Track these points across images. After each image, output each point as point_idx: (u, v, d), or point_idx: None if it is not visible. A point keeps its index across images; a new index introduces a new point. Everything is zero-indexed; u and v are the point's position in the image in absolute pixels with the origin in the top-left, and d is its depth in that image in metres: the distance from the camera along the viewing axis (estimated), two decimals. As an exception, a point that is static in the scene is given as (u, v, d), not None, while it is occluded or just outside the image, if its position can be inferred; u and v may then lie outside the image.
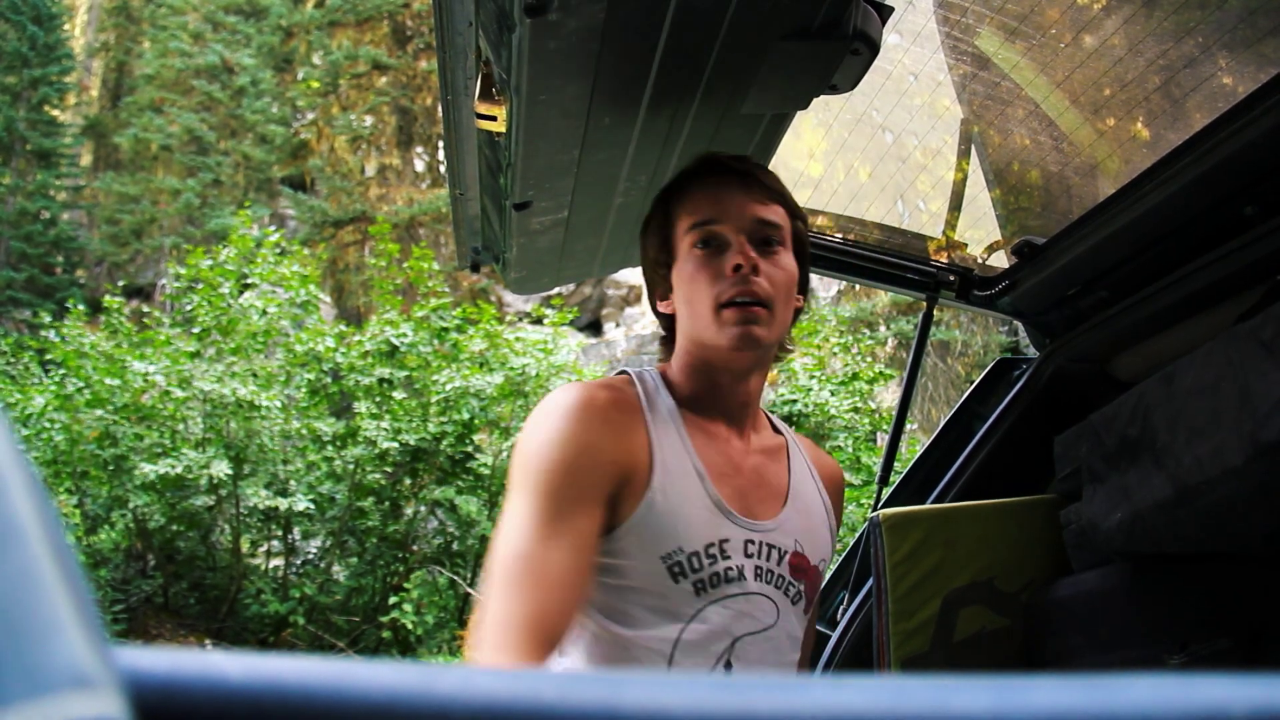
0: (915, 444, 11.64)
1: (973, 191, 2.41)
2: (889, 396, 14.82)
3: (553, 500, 1.26)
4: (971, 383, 2.73)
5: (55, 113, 25.71)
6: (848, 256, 2.46)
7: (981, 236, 2.48)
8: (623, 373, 1.48)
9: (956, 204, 2.43)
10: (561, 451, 1.29)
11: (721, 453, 1.43)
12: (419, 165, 21.80)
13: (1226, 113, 1.67)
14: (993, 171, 2.40)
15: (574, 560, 1.24)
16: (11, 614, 0.27)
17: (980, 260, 2.51)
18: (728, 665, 1.33)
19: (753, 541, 1.39)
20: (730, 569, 1.35)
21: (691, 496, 1.35)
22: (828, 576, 2.73)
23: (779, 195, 1.46)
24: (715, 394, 1.45)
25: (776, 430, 1.59)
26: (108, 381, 8.16)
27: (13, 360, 10.43)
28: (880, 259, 2.49)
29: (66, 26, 28.86)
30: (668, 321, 1.51)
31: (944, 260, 2.47)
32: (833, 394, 8.35)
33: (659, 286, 1.50)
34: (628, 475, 1.32)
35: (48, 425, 8.24)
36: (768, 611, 1.39)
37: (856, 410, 8.42)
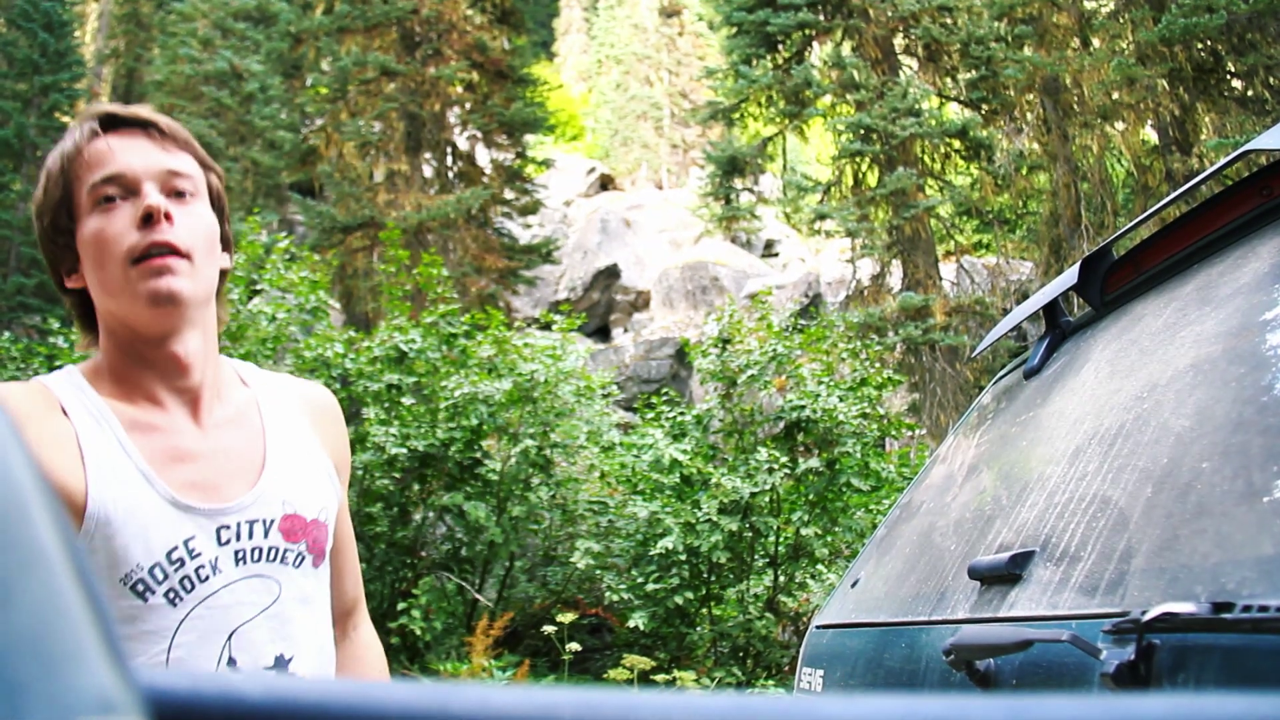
0: (925, 449, 11.62)
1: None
2: (898, 402, 14.81)
3: None
4: (981, 389, 2.72)
5: (66, 119, 25.81)
6: None
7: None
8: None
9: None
10: None
11: (168, 443, 1.29)
12: (427, 171, 21.84)
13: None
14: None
15: None
16: (37, 640, 0.27)
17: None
18: (231, 662, 1.24)
19: (226, 527, 1.28)
20: (202, 567, 1.24)
21: (141, 503, 1.22)
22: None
23: (188, 145, 1.37)
24: (149, 372, 1.32)
25: (247, 386, 1.47)
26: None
27: (23, 366, 10.45)
28: None
29: (77, 33, 29.00)
30: (80, 300, 1.35)
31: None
32: (841, 400, 8.33)
33: (64, 260, 1.34)
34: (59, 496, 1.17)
35: (58, 431, 8.27)
36: (264, 591, 1.29)
37: (865, 416, 8.40)
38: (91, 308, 1.35)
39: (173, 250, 1.26)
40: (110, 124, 1.33)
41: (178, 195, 1.31)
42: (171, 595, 1.22)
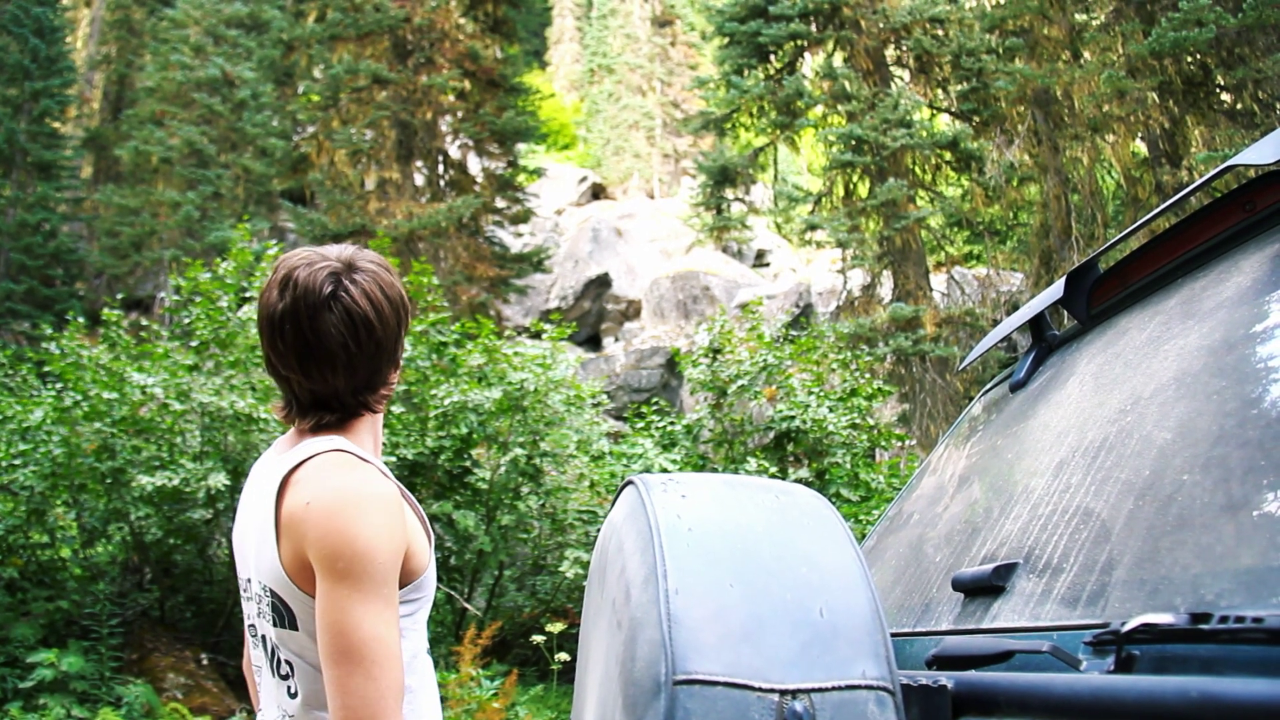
0: (914, 459, 11.63)
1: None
2: (887, 413, 14.82)
3: (389, 586, 1.52)
4: (971, 399, 2.73)
5: (56, 125, 25.75)
6: None
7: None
8: (342, 450, 1.64)
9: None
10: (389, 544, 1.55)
11: None
12: (419, 179, 21.83)
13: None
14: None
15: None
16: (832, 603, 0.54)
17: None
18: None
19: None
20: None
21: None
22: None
23: None
24: (373, 441, 1.82)
25: None
26: (105, 395, 8.14)
27: (11, 372, 10.41)
28: None
29: (68, 39, 28.95)
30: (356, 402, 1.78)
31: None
32: (831, 410, 8.34)
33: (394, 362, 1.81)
34: (418, 545, 1.65)
35: (45, 438, 8.22)
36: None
37: (855, 426, 8.41)
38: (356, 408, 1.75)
39: None
40: None
41: None
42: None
